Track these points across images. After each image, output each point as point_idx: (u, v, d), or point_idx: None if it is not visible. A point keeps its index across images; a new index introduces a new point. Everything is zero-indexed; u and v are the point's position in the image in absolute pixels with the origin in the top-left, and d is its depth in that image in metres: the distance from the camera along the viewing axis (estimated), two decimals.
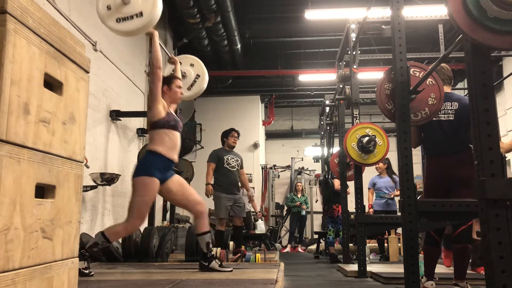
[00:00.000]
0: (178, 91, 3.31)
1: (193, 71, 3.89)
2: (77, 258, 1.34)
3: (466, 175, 2.95)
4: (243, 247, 5.68)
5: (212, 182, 5.38)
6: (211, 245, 3.26)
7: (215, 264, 3.20)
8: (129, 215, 3.03)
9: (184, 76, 3.77)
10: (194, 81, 3.87)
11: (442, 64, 3.27)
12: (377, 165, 6.79)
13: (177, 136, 3.19)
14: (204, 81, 3.90)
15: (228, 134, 5.60)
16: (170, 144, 3.12)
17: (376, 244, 7.42)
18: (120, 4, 2.83)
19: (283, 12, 9.01)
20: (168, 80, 3.29)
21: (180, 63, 3.74)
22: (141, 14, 2.83)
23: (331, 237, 6.60)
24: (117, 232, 3.07)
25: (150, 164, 3.05)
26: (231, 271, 3.18)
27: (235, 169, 5.49)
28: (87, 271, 2.93)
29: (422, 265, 3.11)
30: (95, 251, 3.08)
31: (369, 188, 7.08)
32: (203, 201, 3.28)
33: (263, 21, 9.19)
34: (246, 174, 10.47)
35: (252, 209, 9.43)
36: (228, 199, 5.35)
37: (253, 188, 10.20)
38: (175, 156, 3.15)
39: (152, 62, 3.10)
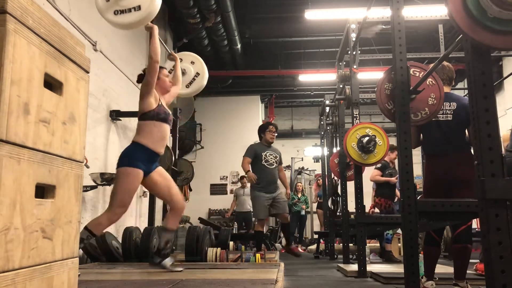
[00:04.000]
0: (166, 79, 3.30)
1: (193, 68, 3.89)
2: (77, 258, 1.34)
3: (466, 175, 2.95)
4: (263, 248, 5.40)
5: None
6: (169, 244, 3.27)
7: (167, 262, 3.19)
8: (110, 204, 3.02)
9: (183, 73, 3.78)
10: (193, 79, 3.88)
11: (446, 64, 3.26)
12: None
13: (166, 128, 3.19)
14: (203, 79, 3.90)
15: (266, 129, 5.29)
16: (158, 136, 3.12)
17: (377, 244, 7.40)
18: None
19: (283, 12, 9.01)
20: None
21: (181, 59, 3.73)
22: (139, 7, 2.86)
23: (390, 234, 6.26)
24: (100, 223, 3.02)
25: (133, 155, 3.06)
26: (181, 271, 3.17)
27: (273, 166, 5.17)
28: None
29: (422, 265, 3.11)
30: (81, 247, 3.04)
31: None
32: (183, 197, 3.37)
33: (263, 21, 9.19)
34: None
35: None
36: (266, 199, 5.07)
37: None
38: (161, 149, 3.15)
39: (150, 55, 3.08)
